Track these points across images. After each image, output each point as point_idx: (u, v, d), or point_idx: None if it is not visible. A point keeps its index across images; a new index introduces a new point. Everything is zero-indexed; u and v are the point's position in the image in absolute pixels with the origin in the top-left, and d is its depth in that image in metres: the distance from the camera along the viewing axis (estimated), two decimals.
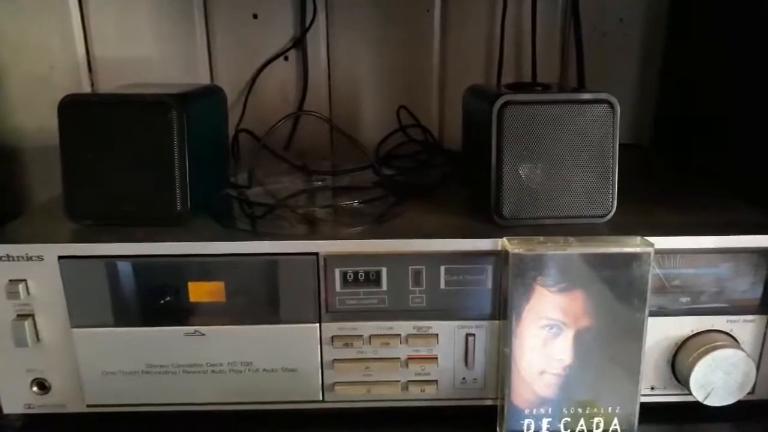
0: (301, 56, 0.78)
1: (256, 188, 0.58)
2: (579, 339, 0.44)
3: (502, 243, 0.44)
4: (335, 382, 0.47)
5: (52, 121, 0.82)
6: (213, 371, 0.47)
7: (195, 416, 0.48)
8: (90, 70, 0.78)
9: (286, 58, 0.78)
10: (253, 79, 0.79)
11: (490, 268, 0.45)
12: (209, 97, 0.55)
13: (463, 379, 0.47)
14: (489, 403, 0.48)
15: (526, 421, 0.45)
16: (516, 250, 0.43)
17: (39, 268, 0.44)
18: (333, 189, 0.61)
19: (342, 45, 0.79)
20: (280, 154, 0.67)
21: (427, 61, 0.80)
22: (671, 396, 0.48)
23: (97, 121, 0.46)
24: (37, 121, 0.80)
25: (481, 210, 0.49)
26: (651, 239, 0.44)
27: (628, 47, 0.80)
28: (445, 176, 0.62)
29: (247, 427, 0.48)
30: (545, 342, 0.44)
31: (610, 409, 0.45)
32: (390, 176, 0.62)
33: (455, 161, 0.67)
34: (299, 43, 0.78)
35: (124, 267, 0.44)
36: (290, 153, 0.74)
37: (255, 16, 0.77)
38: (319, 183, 0.62)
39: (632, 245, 0.43)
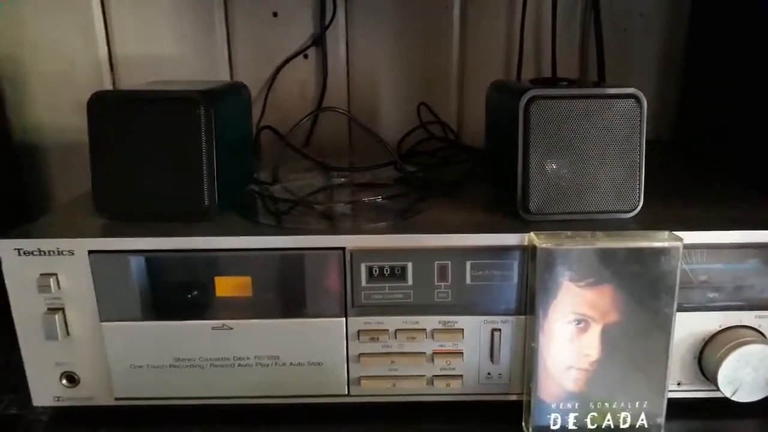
0: (321, 54, 0.79)
1: (279, 185, 0.59)
2: (606, 334, 0.44)
3: (529, 238, 0.44)
4: (361, 376, 0.47)
5: (72, 119, 0.84)
6: (240, 365, 0.47)
7: (221, 410, 0.49)
8: (111, 67, 0.79)
9: (305, 56, 0.79)
10: (273, 77, 0.79)
11: (516, 263, 0.45)
12: (235, 93, 0.56)
13: (489, 374, 0.47)
14: (514, 398, 0.48)
15: (553, 415, 0.45)
16: (543, 245, 0.43)
17: (69, 263, 0.45)
18: (355, 186, 0.61)
19: (361, 42, 0.79)
20: (303, 151, 0.67)
21: (447, 58, 0.80)
22: (698, 392, 0.48)
23: (126, 117, 0.47)
24: (59, 118, 0.81)
25: (506, 206, 0.49)
26: (679, 234, 0.44)
27: (649, 43, 0.80)
28: (468, 173, 0.62)
29: (273, 421, 0.48)
30: (572, 337, 0.44)
31: (637, 404, 0.44)
32: (412, 173, 0.62)
33: (477, 158, 0.67)
34: (319, 40, 0.78)
35: (153, 261, 0.45)
36: (309, 150, 0.74)
37: (275, 14, 0.78)
38: (341, 180, 0.62)
39: (660, 240, 0.43)
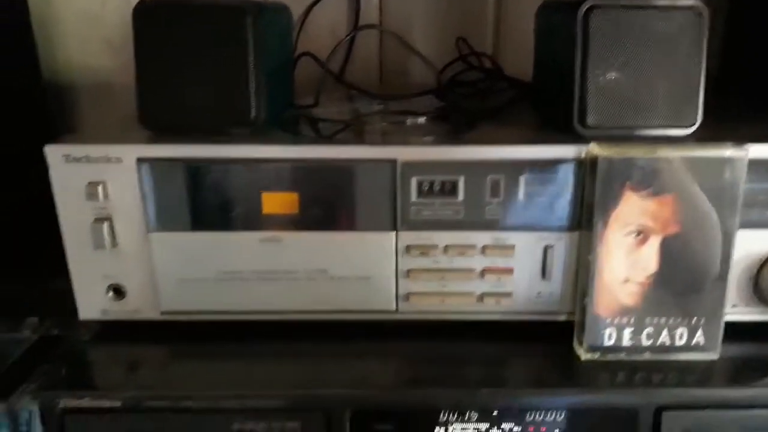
0: None
1: (321, 108, 0.57)
2: (665, 247, 0.43)
3: (589, 148, 0.43)
4: (410, 293, 0.47)
5: (102, 59, 0.84)
6: (288, 279, 0.47)
7: (268, 326, 0.48)
8: None
9: None
10: (305, 15, 0.78)
11: (571, 178, 0.44)
12: (278, 12, 0.54)
13: (539, 292, 0.47)
14: (563, 318, 0.47)
15: (608, 330, 0.44)
16: (605, 154, 0.42)
17: (117, 171, 0.44)
18: (396, 113, 0.60)
19: None
20: (343, 79, 0.66)
21: None
22: (753, 315, 0.47)
23: (173, 27, 0.45)
24: (88, 58, 0.80)
25: (559, 125, 0.47)
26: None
27: None
28: (513, 100, 0.61)
29: (320, 338, 0.48)
30: (631, 249, 0.43)
31: (694, 321, 0.44)
32: (454, 101, 0.60)
33: (521, 87, 0.65)
34: None
35: (202, 171, 0.44)
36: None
37: None
38: (381, 107, 0.61)
39: (725, 150, 0.42)
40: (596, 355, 0.44)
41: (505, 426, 0.43)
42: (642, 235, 0.43)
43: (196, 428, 0.42)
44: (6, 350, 0.54)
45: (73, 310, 0.56)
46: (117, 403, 0.41)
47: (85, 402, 0.41)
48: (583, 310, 0.44)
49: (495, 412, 0.43)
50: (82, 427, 0.42)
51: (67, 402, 0.41)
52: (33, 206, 0.62)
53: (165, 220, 0.45)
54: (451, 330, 0.48)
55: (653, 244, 0.43)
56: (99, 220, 0.45)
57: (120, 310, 0.48)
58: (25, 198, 0.64)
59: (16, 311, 0.59)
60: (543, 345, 0.47)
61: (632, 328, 0.44)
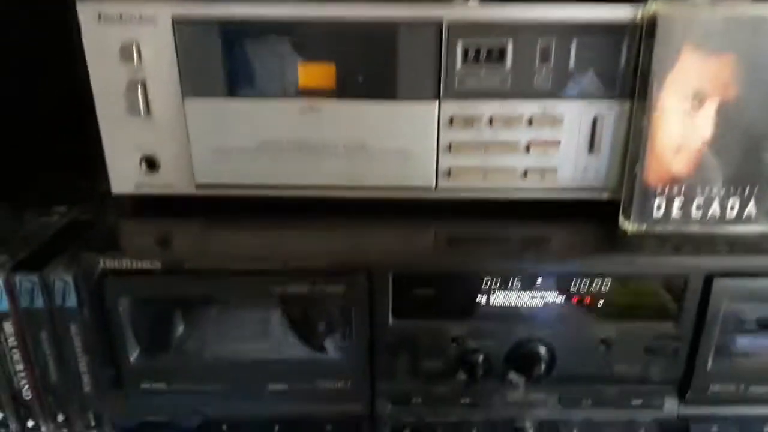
0: None
1: None
2: (722, 112, 0.41)
3: (648, 7, 0.40)
4: (451, 168, 0.46)
5: None
6: (326, 152, 0.45)
7: (303, 202, 0.47)
8: None
9: None
10: None
11: (625, 44, 0.42)
12: None
13: (586, 168, 0.45)
14: (609, 196, 0.46)
15: (657, 201, 0.43)
16: (666, 12, 0.40)
17: (152, 31, 0.42)
18: None
19: None
20: None
21: None
22: None
23: None
24: None
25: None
26: None
27: None
28: None
29: (356, 216, 0.47)
30: (686, 115, 0.41)
31: (747, 191, 0.43)
32: None
33: None
34: None
35: (239, 32, 0.42)
36: None
37: None
38: None
39: None
40: (643, 228, 0.43)
41: (549, 296, 0.43)
42: (698, 99, 0.41)
43: (237, 291, 0.42)
44: (37, 233, 0.53)
45: (103, 200, 0.56)
46: (157, 265, 0.41)
47: (125, 263, 0.41)
48: (632, 181, 0.43)
49: (538, 281, 0.42)
50: (120, 291, 0.42)
51: (106, 263, 0.41)
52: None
53: (200, 85, 0.43)
54: (491, 210, 0.47)
55: (709, 108, 0.41)
56: (133, 84, 0.44)
57: (153, 184, 0.47)
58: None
59: (46, 202, 0.59)
60: (587, 223, 0.46)
61: (682, 199, 0.43)
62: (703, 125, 0.41)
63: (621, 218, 0.44)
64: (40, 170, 0.62)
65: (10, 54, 0.59)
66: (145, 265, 0.41)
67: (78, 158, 0.61)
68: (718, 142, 0.41)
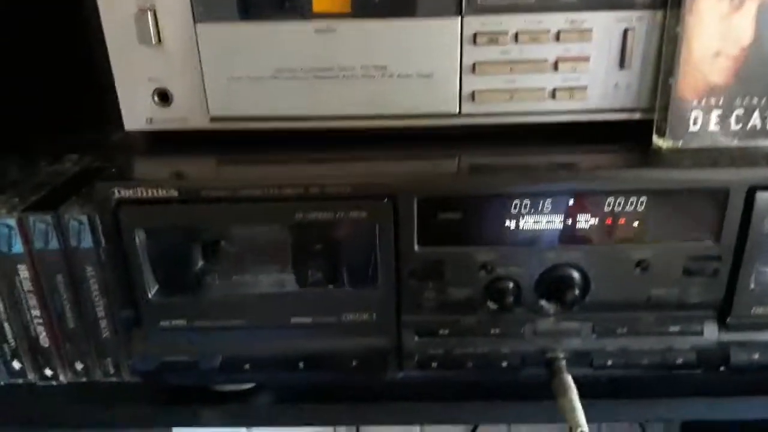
0: None
1: None
2: (763, 13, 0.39)
3: None
4: (475, 91, 0.44)
5: None
6: (345, 76, 0.44)
7: (324, 135, 0.45)
8: None
9: None
10: None
11: None
12: None
13: (616, 84, 0.43)
14: (641, 116, 0.44)
15: (693, 114, 0.41)
16: None
17: None
18: None
19: None
20: None
21: None
22: None
23: None
24: None
25: None
26: None
27: None
28: None
29: (378, 147, 0.45)
30: (724, 17, 0.39)
31: None
32: None
33: None
34: None
35: None
36: None
37: None
38: None
39: None
40: (679, 144, 0.41)
41: (581, 217, 0.41)
42: (737, 1, 0.39)
43: (257, 219, 0.41)
44: (49, 180, 0.52)
45: (115, 149, 0.55)
46: (173, 193, 0.39)
47: (140, 192, 0.40)
48: (667, 95, 0.41)
49: (571, 201, 0.41)
50: (136, 221, 0.40)
51: (121, 193, 0.40)
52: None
53: (212, 9, 0.42)
54: (518, 136, 0.45)
55: (750, 9, 0.38)
56: (142, 11, 0.42)
57: (167, 118, 0.45)
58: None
59: (58, 152, 0.58)
60: (619, 145, 0.44)
61: (720, 111, 0.41)
62: (742, 29, 0.39)
63: (654, 137, 0.42)
64: (52, 122, 0.61)
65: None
66: (161, 193, 0.39)
67: (90, 109, 0.60)
68: (759, 47, 0.39)
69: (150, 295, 0.43)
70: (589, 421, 0.40)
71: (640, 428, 0.99)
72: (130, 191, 0.39)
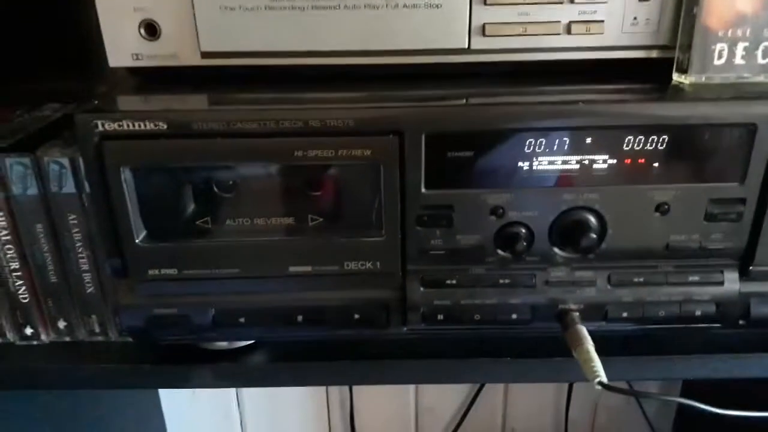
0: None
1: None
2: None
3: None
4: (485, 24, 0.41)
5: None
6: (346, 6, 0.41)
7: (320, 71, 0.42)
8: None
9: None
10: None
11: None
12: None
13: (635, 18, 0.41)
14: (658, 54, 0.41)
15: (718, 46, 0.38)
16: None
17: None
18: None
19: None
20: None
21: None
22: None
23: None
24: None
25: None
26: None
27: None
28: None
29: (382, 84, 0.43)
30: None
31: None
32: None
33: None
34: None
35: None
36: None
37: None
38: None
39: None
40: (702, 79, 0.39)
41: (598, 157, 0.39)
42: None
43: (253, 155, 0.38)
44: (27, 126, 0.49)
45: (99, 97, 0.52)
46: (162, 126, 0.37)
47: (126, 124, 0.37)
48: (690, 26, 0.38)
49: (588, 140, 0.38)
50: (122, 158, 0.37)
51: (105, 126, 0.37)
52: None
53: None
54: (531, 73, 0.42)
55: None
56: None
57: (154, 54, 0.42)
58: None
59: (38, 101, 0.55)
60: (638, 83, 0.42)
61: (747, 43, 0.38)
62: None
63: (675, 74, 0.40)
64: (31, 69, 0.57)
65: None
66: (149, 126, 0.36)
67: (75, 58, 0.57)
68: None
69: (137, 241, 0.40)
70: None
71: (638, 404, 0.98)
72: (115, 124, 0.36)
